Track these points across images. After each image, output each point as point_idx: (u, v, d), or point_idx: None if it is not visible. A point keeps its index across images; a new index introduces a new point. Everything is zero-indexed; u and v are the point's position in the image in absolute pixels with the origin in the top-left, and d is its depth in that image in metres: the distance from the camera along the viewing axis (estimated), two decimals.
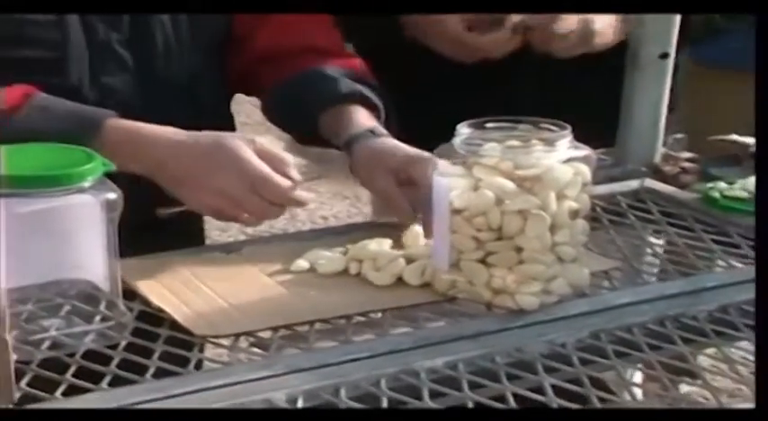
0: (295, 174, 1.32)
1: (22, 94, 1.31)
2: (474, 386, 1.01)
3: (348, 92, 1.45)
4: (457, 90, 1.75)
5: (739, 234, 1.38)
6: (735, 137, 1.72)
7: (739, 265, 1.31)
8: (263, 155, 1.29)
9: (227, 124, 1.58)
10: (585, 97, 1.69)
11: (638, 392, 1.07)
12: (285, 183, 1.29)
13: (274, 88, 1.51)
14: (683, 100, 2.23)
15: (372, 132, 1.40)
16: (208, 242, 1.66)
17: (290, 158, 1.32)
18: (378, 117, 1.47)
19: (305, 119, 1.47)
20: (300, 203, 1.36)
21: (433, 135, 1.42)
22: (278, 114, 1.53)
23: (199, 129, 1.34)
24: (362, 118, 1.44)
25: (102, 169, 1.08)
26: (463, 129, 1.17)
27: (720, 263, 1.34)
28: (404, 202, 1.33)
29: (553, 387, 1.01)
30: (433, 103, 1.75)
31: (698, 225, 1.41)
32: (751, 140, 1.68)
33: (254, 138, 1.31)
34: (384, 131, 1.42)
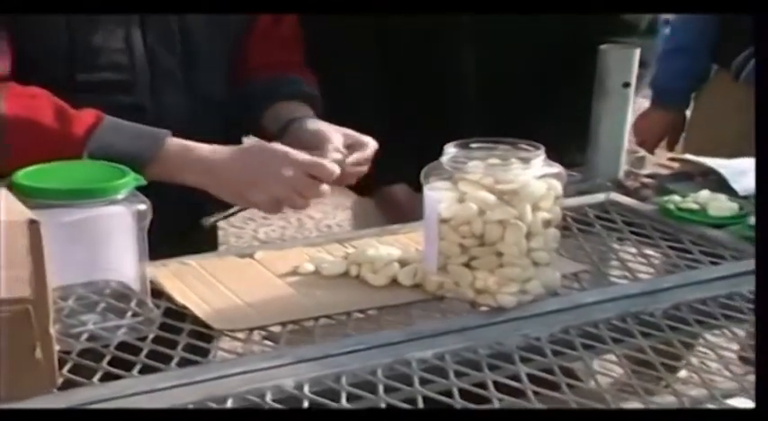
0: (339, 140, 1.40)
1: (96, 116, 1.32)
2: (459, 374, 1.00)
3: (281, 94, 1.52)
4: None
5: (691, 241, 1.37)
6: (688, 156, 1.73)
7: (690, 269, 1.29)
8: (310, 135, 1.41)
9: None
10: (556, 121, 1.68)
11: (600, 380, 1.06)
12: (332, 164, 1.33)
13: (245, 88, 1.55)
14: None
15: (293, 121, 1.47)
16: (224, 248, 1.66)
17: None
18: (314, 109, 1.53)
19: (253, 113, 1.53)
20: (356, 174, 1.41)
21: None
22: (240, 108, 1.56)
23: (232, 136, 1.42)
24: (292, 109, 1.50)
25: (133, 183, 1.08)
26: (450, 149, 1.16)
27: (674, 266, 1.32)
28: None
29: (528, 375, 1.00)
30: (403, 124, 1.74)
31: (656, 233, 1.41)
32: (702, 160, 1.69)
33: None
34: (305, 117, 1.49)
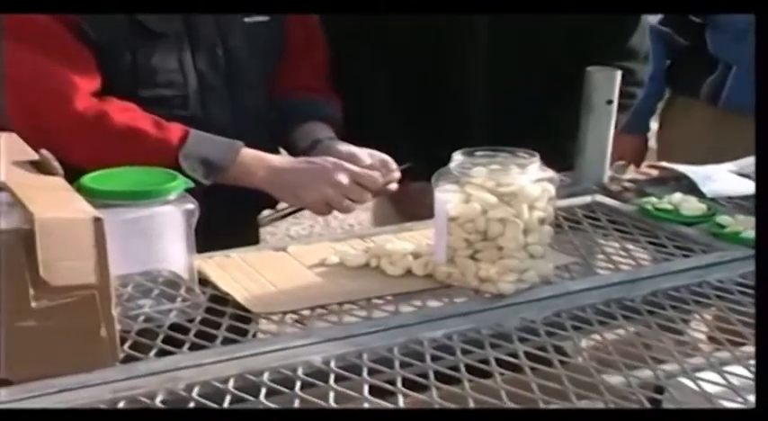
0: (368, 160, 1.40)
1: (183, 129, 1.33)
2: (465, 352, 0.99)
3: (309, 115, 1.52)
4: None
5: (666, 237, 1.35)
6: (664, 163, 1.71)
7: (665, 260, 1.27)
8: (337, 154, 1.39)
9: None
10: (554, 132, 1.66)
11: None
12: (376, 174, 1.35)
13: (277, 108, 1.55)
14: None
15: (320, 141, 1.47)
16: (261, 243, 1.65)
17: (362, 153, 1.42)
18: (335, 128, 1.52)
19: (284, 133, 1.52)
20: (389, 190, 1.41)
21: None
22: (274, 133, 1.55)
23: (270, 144, 1.44)
24: (319, 130, 1.50)
25: (183, 186, 1.07)
26: (457, 157, 1.15)
27: (651, 258, 1.30)
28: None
29: (525, 353, 0.99)
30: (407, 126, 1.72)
31: (636, 230, 1.38)
32: (674, 166, 1.67)
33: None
34: (333, 138, 1.49)
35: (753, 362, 0.98)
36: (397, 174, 1.42)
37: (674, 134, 2.35)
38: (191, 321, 1.05)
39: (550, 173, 1.15)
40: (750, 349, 1.04)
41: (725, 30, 2.15)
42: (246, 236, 1.48)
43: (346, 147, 1.45)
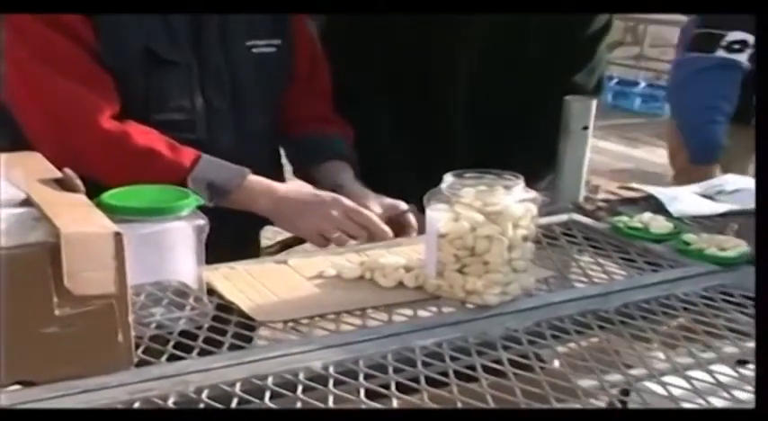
0: (377, 209, 1.38)
1: (195, 152, 1.34)
2: (453, 359, 1.00)
3: (330, 153, 1.50)
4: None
5: (636, 253, 1.36)
6: (634, 184, 1.73)
7: (636, 274, 1.29)
8: (354, 198, 1.38)
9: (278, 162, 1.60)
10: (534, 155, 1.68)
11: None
12: (371, 213, 1.34)
13: (290, 143, 1.55)
14: None
15: (342, 187, 1.45)
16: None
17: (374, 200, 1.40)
18: (352, 165, 1.51)
19: (305, 169, 1.53)
20: (382, 231, 1.37)
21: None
22: (291, 159, 1.57)
23: (274, 165, 1.43)
24: (340, 171, 1.49)
25: (195, 203, 1.08)
26: (447, 178, 1.16)
27: (623, 272, 1.32)
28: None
29: (508, 359, 1.00)
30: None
31: (608, 246, 1.40)
32: (643, 187, 1.70)
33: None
34: (350, 183, 1.47)
35: (714, 366, 1.00)
36: (409, 221, 1.42)
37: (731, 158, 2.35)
38: (199, 328, 1.06)
39: (533, 194, 1.16)
40: (711, 355, 1.06)
41: None
42: (249, 248, 1.49)
43: (363, 193, 1.45)
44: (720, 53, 2.24)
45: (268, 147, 1.53)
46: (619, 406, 0.96)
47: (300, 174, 1.56)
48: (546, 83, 1.70)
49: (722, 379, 0.98)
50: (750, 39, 2.21)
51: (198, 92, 1.42)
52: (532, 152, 1.68)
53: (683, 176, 2.35)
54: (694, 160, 2.39)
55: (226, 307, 1.13)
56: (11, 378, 0.88)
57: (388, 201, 1.43)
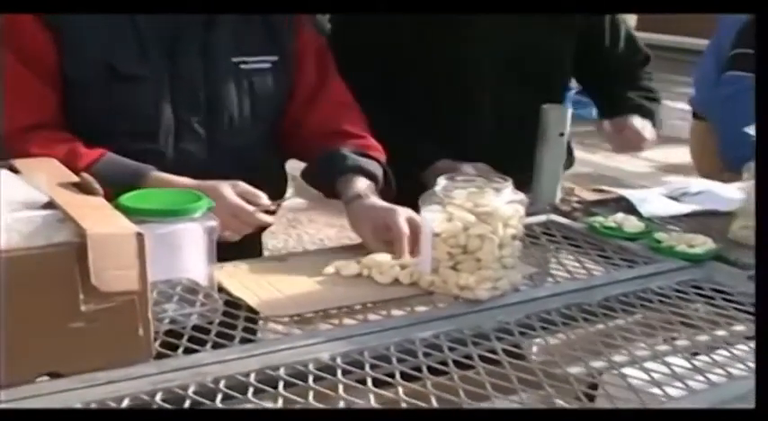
0: (265, 202, 1.28)
1: (99, 154, 1.30)
2: (451, 349, 1.02)
3: (352, 166, 1.40)
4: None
5: (612, 250, 1.39)
6: (605, 187, 1.77)
7: (613, 270, 1.31)
8: (243, 193, 1.27)
9: (280, 178, 1.53)
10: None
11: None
12: (253, 210, 1.25)
13: (309, 162, 1.46)
14: None
15: (359, 196, 1.35)
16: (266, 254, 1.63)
17: (262, 195, 1.28)
18: (376, 181, 1.41)
19: (326, 184, 1.43)
20: (266, 223, 1.30)
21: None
22: (311, 180, 1.47)
23: (255, 182, 1.30)
24: (358, 185, 1.38)
25: (206, 206, 1.08)
26: (441, 181, 1.17)
27: (601, 269, 1.34)
28: (378, 246, 1.29)
29: (502, 349, 1.02)
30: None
31: (586, 245, 1.42)
32: (614, 189, 1.73)
33: (237, 182, 1.28)
34: (369, 194, 1.37)
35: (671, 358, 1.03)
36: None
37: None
38: (210, 323, 1.06)
39: (521, 195, 1.18)
40: (685, 342, 1.09)
41: None
42: (251, 249, 1.47)
43: (381, 204, 1.36)
44: None
45: (253, 164, 1.42)
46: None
47: (325, 190, 1.46)
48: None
49: (678, 370, 1.00)
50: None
51: (167, 104, 1.36)
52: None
53: (714, 178, 2.41)
54: (733, 168, 2.43)
55: (233, 303, 1.14)
56: (40, 370, 0.89)
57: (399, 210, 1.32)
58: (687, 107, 2.92)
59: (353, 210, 1.36)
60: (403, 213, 1.29)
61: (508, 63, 1.68)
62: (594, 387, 0.98)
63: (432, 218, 1.16)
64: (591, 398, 0.98)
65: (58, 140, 1.31)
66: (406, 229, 1.27)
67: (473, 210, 1.15)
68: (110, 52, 1.32)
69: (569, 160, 1.85)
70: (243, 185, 1.28)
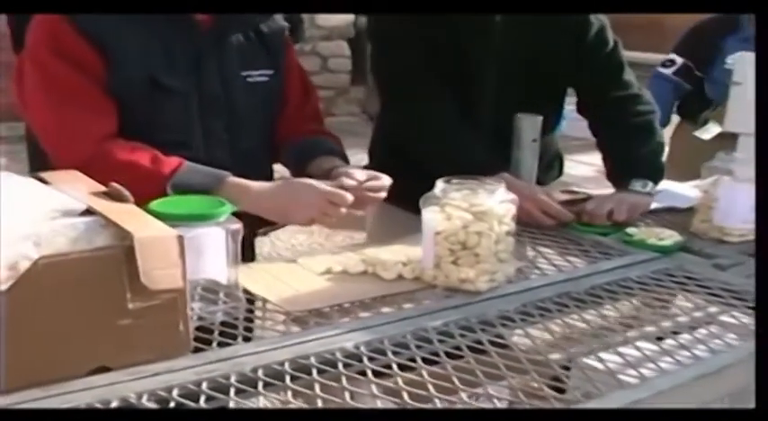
0: (362, 177, 1.39)
1: (179, 162, 1.34)
2: (461, 336, 1.06)
3: (320, 151, 1.52)
4: None
5: (589, 244, 1.45)
6: (575, 188, 1.83)
7: (594, 263, 1.36)
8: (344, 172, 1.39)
9: (271, 174, 1.61)
10: None
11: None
12: (343, 193, 1.32)
13: (287, 148, 1.56)
14: None
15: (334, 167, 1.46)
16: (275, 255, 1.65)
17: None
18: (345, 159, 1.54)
19: (303, 163, 1.53)
20: (369, 202, 1.39)
21: None
22: (288, 162, 1.57)
23: (260, 178, 1.39)
24: (328, 161, 1.50)
25: (230, 210, 1.11)
26: (440, 184, 1.21)
27: (582, 261, 1.39)
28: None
29: (507, 335, 1.07)
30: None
31: (564, 240, 1.48)
32: (583, 190, 1.80)
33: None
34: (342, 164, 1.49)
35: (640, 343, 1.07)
36: (381, 184, 1.41)
37: (682, 151, 2.60)
38: (236, 319, 1.09)
39: (512, 195, 1.23)
40: (652, 329, 1.15)
41: (717, 81, 2.46)
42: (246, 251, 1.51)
43: (350, 168, 1.47)
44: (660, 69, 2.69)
45: (260, 163, 1.55)
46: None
47: (297, 173, 1.55)
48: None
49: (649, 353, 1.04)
50: (677, 58, 2.65)
51: (196, 115, 1.44)
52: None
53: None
54: None
55: (254, 300, 1.17)
56: (90, 365, 0.91)
57: (371, 172, 1.43)
58: None
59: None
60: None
61: (522, 64, 1.70)
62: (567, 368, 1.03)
63: (432, 218, 1.20)
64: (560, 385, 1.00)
65: (136, 148, 1.35)
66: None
67: (469, 210, 1.19)
68: (149, 67, 1.37)
69: (559, 169, 1.92)
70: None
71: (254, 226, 1.50)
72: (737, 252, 1.44)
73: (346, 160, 1.53)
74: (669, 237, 1.45)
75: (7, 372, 0.85)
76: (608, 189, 1.68)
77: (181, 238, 0.92)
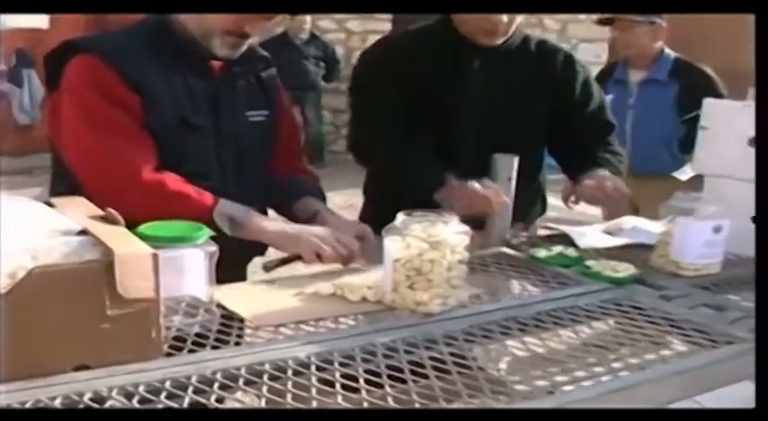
0: (351, 230, 1.59)
1: (214, 196, 1.53)
2: (406, 352, 1.18)
3: (301, 191, 1.72)
4: None
5: (550, 275, 1.57)
6: (550, 224, 1.96)
7: (549, 291, 1.48)
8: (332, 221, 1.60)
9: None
10: None
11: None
12: (351, 238, 1.52)
13: (277, 185, 1.74)
14: None
15: (318, 212, 1.68)
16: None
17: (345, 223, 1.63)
18: (323, 200, 1.75)
19: (287, 206, 1.72)
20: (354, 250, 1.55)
21: None
22: (275, 204, 1.76)
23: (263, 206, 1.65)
24: (314, 204, 1.70)
25: (208, 234, 1.27)
26: (400, 216, 1.35)
27: (538, 290, 1.51)
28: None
29: (449, 353, 1.18)
30: None
31: (528, 271, 1.60)
32: (558, 226, 1.92)
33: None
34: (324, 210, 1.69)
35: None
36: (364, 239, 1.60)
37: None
38: (209, 331, 1.24)
39: (466, 228, 1.36)
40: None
41: None
42: (238, 274, 1.68)
43: (335, 218, 1.67)
44: None
45: (260, 191, 1.73)
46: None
47: (279, 210, 1.75)
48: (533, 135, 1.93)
49: None
50: None
51: (212, 150, 1.63)
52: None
53: None
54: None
55: (228, 315, 1.31)
56: (73, 362, 1.07)
57: (354, 222, 1.66)
58: None
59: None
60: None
61: (498, 110, 1.89)
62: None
63: (391, 246, 1.34)
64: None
65: (180, 180, 1.54)
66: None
67: (427, 240, 1.32)
68: (179, 108, 1.57)
69: (542, 207, 2.07)
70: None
71: (245, 252, 1.67)
72: (689, 285, 1.55)
73: (323, 197, 1.73)
74: (624, 269, 1.56)
75: (2, 365, 1.02)
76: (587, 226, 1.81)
77: (155, 256, 1.08)
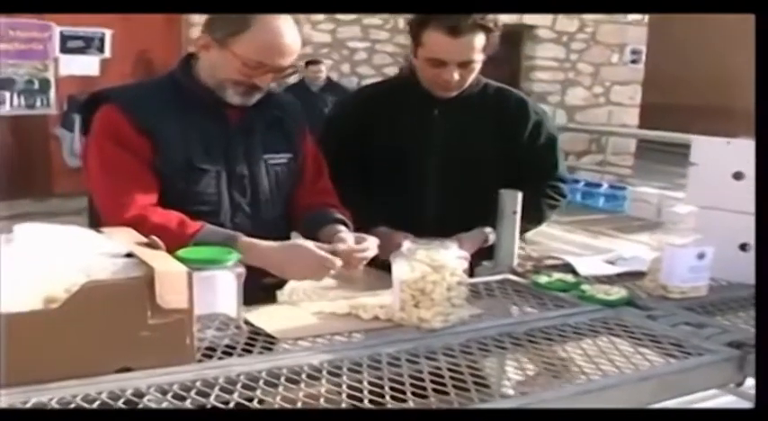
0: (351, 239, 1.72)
1: (201, 225, 1.67)
2: (409, 362, 1.32)
3: (332, 219, 1.83)
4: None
5: (548, 299, 1.71)
6: (554, 254, 2.10)
7: (547, 311, 1.62)
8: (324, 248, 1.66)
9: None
10: None
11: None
12: (334, 258, 1.62)
13: (301, 219, 1.89)
14: None
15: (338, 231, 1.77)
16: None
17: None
18: (347, 227, 1.83)
19: (313, 231, 1.83)
20: (358, 262, 1.69)
21: None
22: (303, 231, 1.88)
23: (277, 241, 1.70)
24: (335, 229, 1.80)
25: (237, 257, 1.44)
26: (406, 244, 1.52)
27: (535, 310, 1.65)
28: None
29: (447, 363, 1.33)
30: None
31: (529, 295, 1.74)
32: (563, 256, 2.07)
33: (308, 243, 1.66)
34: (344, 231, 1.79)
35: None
36: (366, 246, 1.71)
37: None
38: (237, 343, 1.41)
39: (465, 253, 1.52)
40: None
41: None
42: (268, 296, 1.82)
43: (348, 233, 1.78)
44: None
45: (279, 231, 1.81)
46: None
47: (310, 237, 1.82)
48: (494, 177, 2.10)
49: None
50: None
51: (224, 191, 1.77)
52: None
53: None
54: None
55: (255, 331, 1.48)
56: (116, 365, 1.24)
57: (362, 235, 1.76)
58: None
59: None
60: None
61: (456, 154, 2.08)
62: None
63: (399, 269, 1.51)
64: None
65: (168, 214, 1.69)
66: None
67: (430, 264, 1.48)
68: (188, 151, 1.72)
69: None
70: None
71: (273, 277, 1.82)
72: (675, 306, 1.68)
73: (349, 227, 1.84)
74: (616, 293, 1.70)
75: (57, 365, 1.20)
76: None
77: (189, 273, 1.27)
